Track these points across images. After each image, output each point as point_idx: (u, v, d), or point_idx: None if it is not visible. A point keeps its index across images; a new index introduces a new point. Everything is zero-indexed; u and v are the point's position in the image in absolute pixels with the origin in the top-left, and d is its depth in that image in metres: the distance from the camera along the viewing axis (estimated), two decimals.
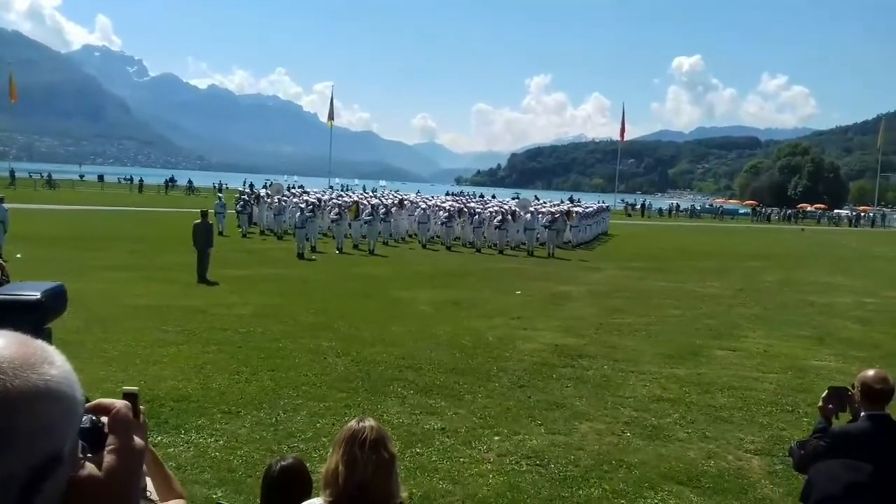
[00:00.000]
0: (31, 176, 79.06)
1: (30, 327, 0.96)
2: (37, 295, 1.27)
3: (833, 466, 4.14)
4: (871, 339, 14.47)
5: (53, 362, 0.91)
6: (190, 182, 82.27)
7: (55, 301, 1.31)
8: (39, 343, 0.93)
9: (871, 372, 4.22)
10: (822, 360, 12.39)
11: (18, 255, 18.52)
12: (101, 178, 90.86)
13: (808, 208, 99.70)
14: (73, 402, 0.92)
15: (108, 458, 0.98)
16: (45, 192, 61.77)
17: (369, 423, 2.81)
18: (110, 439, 1.00)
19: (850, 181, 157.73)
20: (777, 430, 8.51)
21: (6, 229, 20.75)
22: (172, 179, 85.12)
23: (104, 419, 1.03)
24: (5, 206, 21.19)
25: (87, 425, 0.99)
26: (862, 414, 4.19)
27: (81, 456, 0.96)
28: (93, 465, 0.96)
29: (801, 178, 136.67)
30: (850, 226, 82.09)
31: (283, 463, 3.63)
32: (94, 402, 1.04)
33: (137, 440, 1.04)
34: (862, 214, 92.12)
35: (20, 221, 24.55)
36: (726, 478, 7.12)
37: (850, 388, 4.29)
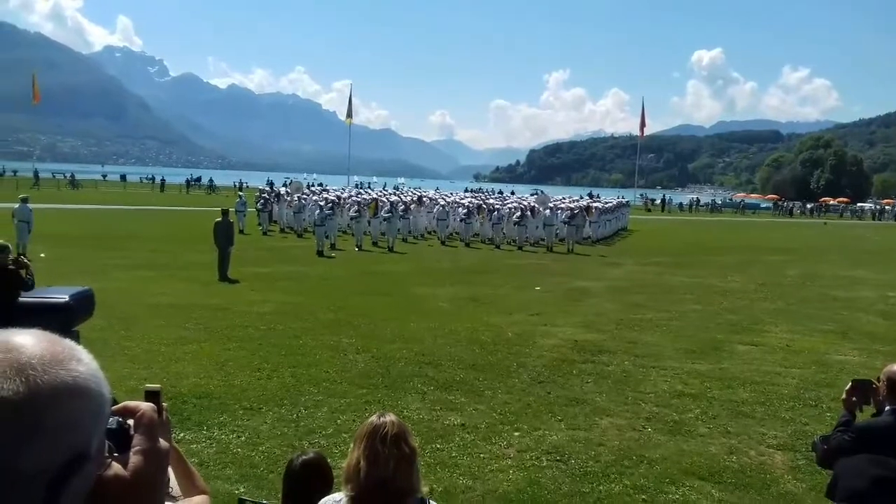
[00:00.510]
0: (54, 176, 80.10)
1: (58, 329, 0.98)
2: (65, 298, 1.30)
3: (859, 461, 4.11)
4: (895, 333, 14.30)
5: (81, 359, 0.92)
6: (211, 181, 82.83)
7: (83, 304, 1.34)
8: (68, 341, 0.94)
9: (895, 366, 4.18)
10: (846, 354, 12.27)
11: (42, 255, 18.74)
12: (123, 177, 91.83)
13: (831, 202, 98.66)
14: (101, 400, 0.93)
15: (133, 459, 0.99)
16: (68, 192, 62.47)
17: (390, 417, 2.83)
18: (136, 440, 1.02)
19: (873, 174, 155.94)
20: (800, 425, 8.45)
21: (30, 229, 21.01)
22: (198, 179, 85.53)
23: (130, 421, 1.04)
24: (29, 206, 21.45)
25: (114, 426, 1.00)
26: (887, 408, 4.15)
27: (108, 456, 0.97)
28: (119, 465, 0.97)
29: (823, 171, 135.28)
30: (873, 219, 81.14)
31: (304, 457, 3.66)
32: (120, 404, 1.06)
33: (163, 442, 1.06)
34: (886, 208, 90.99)
35: (44, 221, 24.84)
36: (748, 473, 7.07)
37: (874, 382, 4.26)
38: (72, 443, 0.88)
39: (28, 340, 0.90)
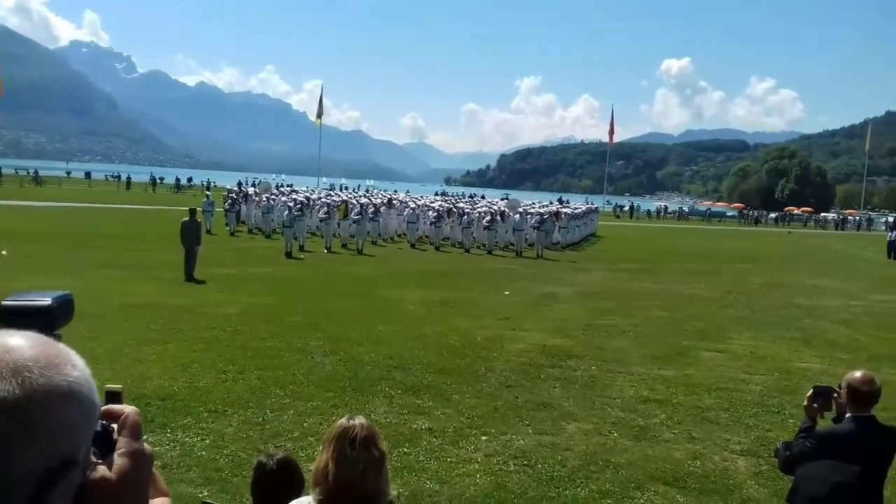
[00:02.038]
0: (17, 172, 78.52)
1: (41, 332, 0.97)
2: (48, 301, 1.29)
3: (819, 468, 4.17)
4: (857, 342, 14.57)
5: (76, 364, 0.92)
6: (178, 180, 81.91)
7: (64, 308, 1.33)
8: (62, 345, 0.94)
9: (857, 374, 4.25)
10: (808, 361, 12.46)
11: (4, 253, 18.38)
12: (88, 175, 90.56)
13: (795, 211, 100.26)
14: (92, 406, 0.93)
15: (119, 461, 0.98)
16: (31, 189, 61.31)
17: (359, 420, 2.80)
18: (121, 442, 1.01)
19: (836, 185, 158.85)
20: (763, 431, 8.56)
21: None
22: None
23: (113, 425, 1.03)
24: None
25: (98, 429, 1.00)
26: (847, 415, 4.22)
27: (95, 460, 0.96)
28: (105, 468, 0.96)
29: (788, 181, 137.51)
30: (836, 229, 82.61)
31: (276, 457, 3.62)
32: (103, 407, 1.05)
33: (146, 445, 1.05)
34: (848, 218, 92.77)
35: (6, 218, 24.39)
36: (712, 478, 7.15)
37: (835, 389, 4.32)
38: (62, 447, 0.87)
39: (23, 342, 0.89)
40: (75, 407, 0.89)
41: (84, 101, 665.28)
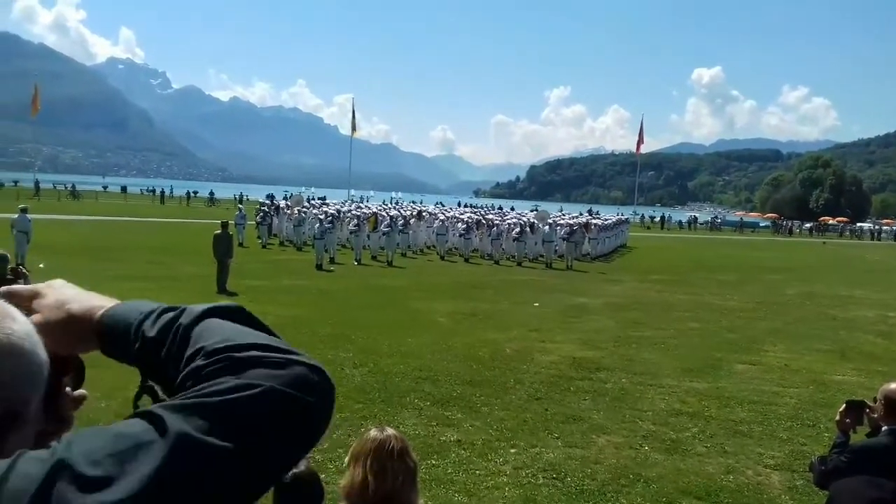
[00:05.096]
0: (55, 187, 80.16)
1: None
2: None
3: (855, 483, 4.09)
4: (894, 354, 14.29)
5: (16, 318, 0.90)
6: (212, 193, 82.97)
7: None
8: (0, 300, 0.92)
9: (893, 385, 4.16)
10: (844, 374, 12.25)
11: (41, 265, 18.70)
12: (124, 189, 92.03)
13: (830, 221, 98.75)
14: (36, 360, 0.90)
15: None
16: (68, 203, 62.45)
17: (392, 431, 2.82)
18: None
19: (872, 194, 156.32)
20: (798, 445, 8.42)
21: (29, 239, 20.98)
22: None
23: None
24: (29, 216, 21.43)
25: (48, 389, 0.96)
26: (884, 428, 4.13)
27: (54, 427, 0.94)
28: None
29: (822, 191, 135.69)
30: (872, 239, 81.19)
31: (295, 470, 3.62)
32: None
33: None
34: (885, 228, 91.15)
35: (43, 232, 24.83)
36: (745, 493, 7.04)
37: (867, 403, 4.24)
38: (2, 402, 0.85)
39: None
40: (16, 360, 0.86)
41: (120, 116, 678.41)
